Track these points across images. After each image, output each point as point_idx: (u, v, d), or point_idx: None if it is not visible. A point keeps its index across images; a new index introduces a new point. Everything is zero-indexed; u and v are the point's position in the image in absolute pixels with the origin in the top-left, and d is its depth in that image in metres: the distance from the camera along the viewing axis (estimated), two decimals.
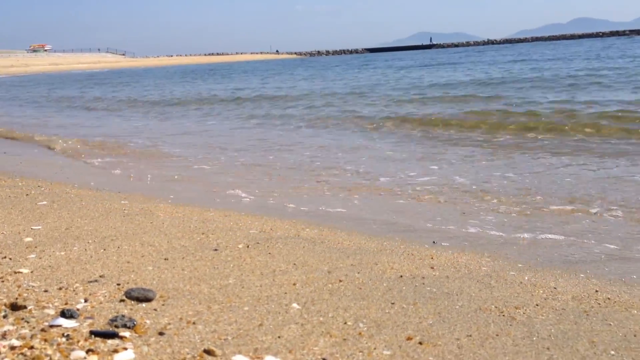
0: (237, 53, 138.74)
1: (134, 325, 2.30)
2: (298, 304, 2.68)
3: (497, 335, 2.46)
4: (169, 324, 2.35)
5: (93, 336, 2.18)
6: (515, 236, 4.69)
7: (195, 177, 7.49)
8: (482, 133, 10.98)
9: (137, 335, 2.22)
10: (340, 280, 3.09)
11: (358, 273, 3.26)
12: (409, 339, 2.36)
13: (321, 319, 2.51)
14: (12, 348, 2.03)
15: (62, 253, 3.31)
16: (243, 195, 6.18)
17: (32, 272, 2.95)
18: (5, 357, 1.98)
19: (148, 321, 2.35)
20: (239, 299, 2.69)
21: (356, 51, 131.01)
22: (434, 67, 37.80)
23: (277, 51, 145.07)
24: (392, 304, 2.77)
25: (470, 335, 2.43)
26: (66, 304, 2.50)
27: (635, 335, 2.54)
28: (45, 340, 2.11)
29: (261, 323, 2.41)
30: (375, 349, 2.25)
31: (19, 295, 2.58)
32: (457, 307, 2.80)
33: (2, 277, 2.83)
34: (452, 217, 5.28)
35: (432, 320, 2.59)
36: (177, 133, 13.01)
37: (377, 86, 23.92)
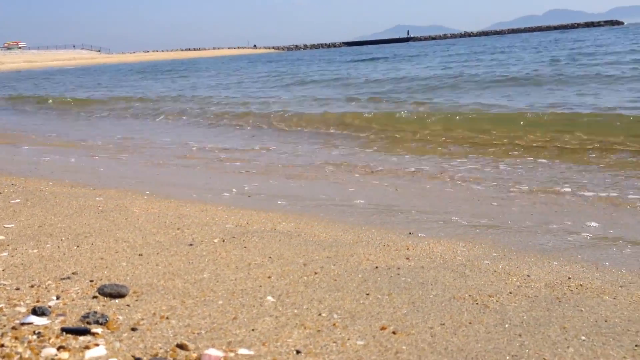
0: (214, 48, 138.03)
1: (106, 321, 2.28)
2: (273, 296, 2.68)
3: (470, 323, 2.48)
4: (142, 319, 2.33)
5: (64, 333, 2.16)
6: (491, 225, 4.73)
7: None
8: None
9: (109, 331, 2.21)
10: (316, 273, 3.09)
11: (334, 265, 3.27)
12: (382, 328, 2.37)
13: (295, 311, 2.51)
14: None
15: (35, 251, 3.28)
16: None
17: (3, 270, 2.92)
18: None
19: (121, 317, 2.34)
20: (213, 293, 2.69)
21: (334, 45, 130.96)
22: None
23: (254, 46, 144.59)
24: (367, 294, 2.78)
25: (444, 324, 2.45)
26: (38, 301, 2.48)
27: (606, 321, 2.58)
28: (16, 338, 2.09)
29: (235, 316, 2.41)
30: (349, 339, 2.26)
31: None
32: (432, 296, 2.81)
33: None
34: (430, 207, 5.31)
35: (406, 309, 2.61)
36: None
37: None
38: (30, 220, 4.05)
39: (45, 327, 2.21)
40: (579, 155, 8.06)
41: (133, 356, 2.02)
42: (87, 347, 2.06)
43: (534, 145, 8.84)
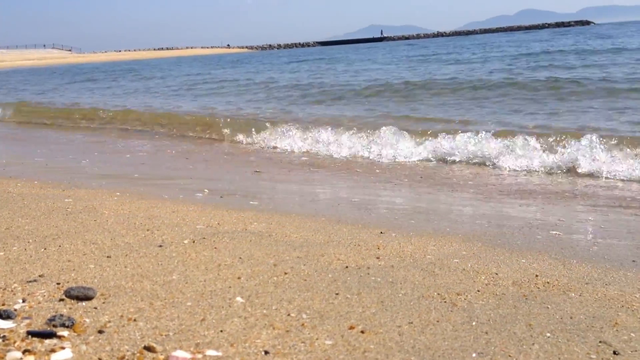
0: (187, 47, 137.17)
1: (73, 324, 2.26)
2: (242, 297, 2.67)
3: (437, 321, 2.50)
4: (109, 321, 2.32)
5: (30, 336, 2.14)
6: (461, 224, 4.78)
7: None
8: None
9: (75, 334, 2.19)
10: (286, 273, 3.09)
11: (304, 265, 3.27)
12: (351, 328, 2.39)
13: (265, 311, 2.51)
14: None
15: (1, 253, 3.23)
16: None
17: None
18: None
19: (87, 320, 2.32)
20: (182, 294, 2.67)
21: (308, 44, 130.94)
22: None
23: (228, 45, 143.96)
24: (337, 294, 2.79)
25: (412, 322, 2.47)
26: (3, 304, 2.45)
27: (571, 317, 2.62)
28: None
29: (204, 318, 2.40)
30: (317, 339, 2.26)
31: None
32: (401, 295, 2.83)
33: None
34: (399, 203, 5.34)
35: (375, 309, 2.62)
36: None
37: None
38: None
39: (11, 330, 2.18)
40: None
41: (99, 359, 2.01)
42: (53, 351, 2.04)
43: None
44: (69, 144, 11.54)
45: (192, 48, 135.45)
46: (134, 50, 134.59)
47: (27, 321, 2.28)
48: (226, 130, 11.64)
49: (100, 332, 2.22)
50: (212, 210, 4.91)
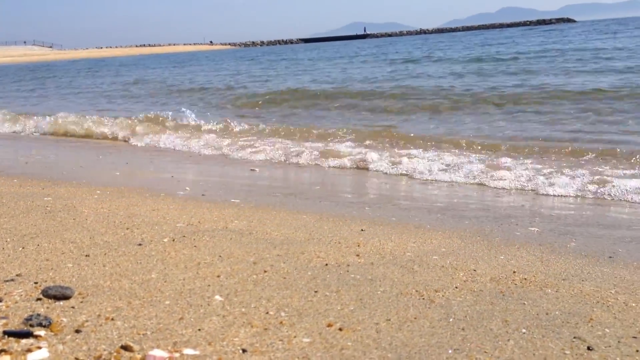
0: (169, 44, 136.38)
1: (50, 323, 2.25)
2: (221, 295, 2.68)
3: (415, 318, 2.52)
4: (87, 321, 2.31)
5: (6, 336, 2.12)
6: (441, 222, 4.81)
7: None
8: None
9: (52, 333, 2.18)
10: (265, 271, 3.10)
11: (284, 263, 3.28)
12: (329, 325, 2.40)
13: (243, 309, 2.52)
14: None
15: None
16: None
17: None
18: None
19: (65, 319, 2.31)
20: (160, 293, 2.67)
21: (291, 41, 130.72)
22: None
23: (210, 42, 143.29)
24: (316, 292, 2.80)
25: (389, 320, 2.49)
26: None
27: (547, 313, 2.65)
28: None
29: (182, 317, 2.40)
30: (295, 337, 2.27)
31: None
32: (379, 292, 2.85)
33: None
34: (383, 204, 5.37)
35: (353, 306, 2.63)
36: None
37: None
38: None
39: None
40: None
41: (76, 358, 2.00)
42: (29, 350, 2.03)
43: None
44: None
45: (174, 45, 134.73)
46: (116, 47, 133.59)
47: (4, 321, 2.27)
48: None
49: (77, 331, 2.21)
50: (193, 208, 4.89)
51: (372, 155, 8.21)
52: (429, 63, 25.45)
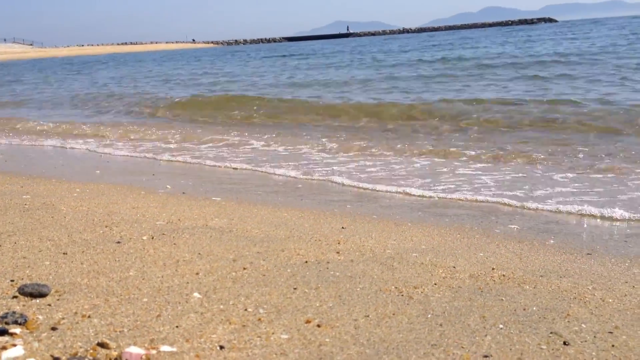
0: (151, 42, 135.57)
1: (25, 321, 2.23)
2: (199, 293, 2.66)
3: (393, 314, 2.53)
4: (63, 318, 2.29)
5: None
6: (421, 219, 4.82)
7: None
8: None
9: (28, 331, 2.15)
10: (245, 268, 3.09)
11: (263, 260, 3.27)
12: (307, 322, 2.40)
13: (222, 306, 2.51)
14: None
15: None
16: None
17: None
18: None
19: (41, 317, 2.29)
20: (138, 290, 2.65)
21: (274, 40, 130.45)
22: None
23: (193, 40, 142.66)
24: (295, 289, 2.80)
25: (368, 316, 2.49)
26: None
27: (524, 309, 2.67)
28: None
29: (159, 314, 2.39)
30: (273, 333, 2.27)
31: None
32: (359, 289, 2.85)
33: None
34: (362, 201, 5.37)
35: (332, 303, 2.64)
36: None
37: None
38: None
39: None
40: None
41: (52, 356, 1.98)
42: (4, 348, 2.01)
43: None
44: None
45: (156, 43, 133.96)
46: (97, 45, 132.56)
47: None
48: None
49: (53, 329, 2.19)
50: (173, 206, 4.87)
51: None
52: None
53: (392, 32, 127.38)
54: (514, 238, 4.24)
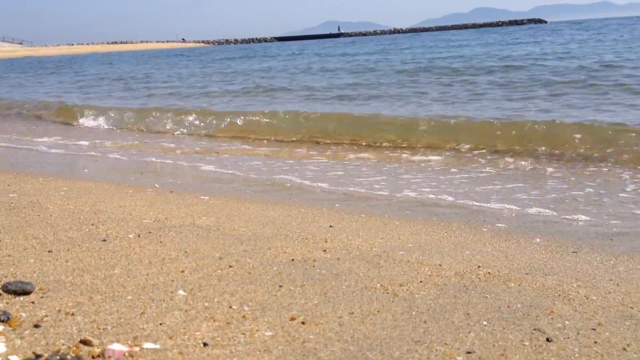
0: (142, 42, 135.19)
1: (8, 318, 2.22)
2: (184, 290, 2.66)
3: (378, 311, 2.53)
4: (46, 316, 2.28)
5: None
6: (409, 218, 4.84)
7: None
8: None
9: (10, 328, 2.15)
10: (231, 266, 3.09)
11: (250, 258, 3.27)
12: (292, 319, 2.40)
13: (206, 304, 2.51)
14: None
15: None
16: None
17: None
18: None
19: (24, 314, 2.28)
20: (123, 288, 2.65)
21: (265, 40, 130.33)
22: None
23: (183, 39, 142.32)
24: (280, 286, 2.80)
25: (353, 313, 2.50)
26: None
27: (508, 306, 2.68)
28: None
29: (143, 311, 2.39)
30: (257, 330, 2.27)
31: None
32: (344, 287, 2.86)
33: None
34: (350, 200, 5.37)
35: (317, 300, 2.64)
36: None
37: None
38: None
39: None
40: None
41: (34, 353, 1.98)
42: None
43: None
44: None
45: (147, 42, 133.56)
46: (87, 44, 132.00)
47: None
48: None
49: (36, 326, 2.18)
50: (160, 204, 4.86)
51: None
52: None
53: (383, 32, 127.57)
54: (500, 237, 4.25)
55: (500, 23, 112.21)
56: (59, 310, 2.34)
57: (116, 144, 9.99)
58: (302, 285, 2.84)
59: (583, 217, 4.88)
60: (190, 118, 11.99)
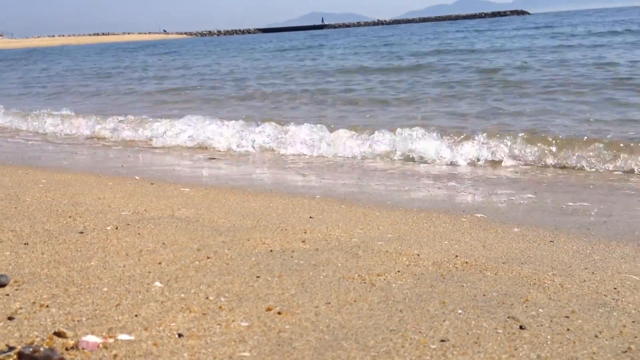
0: (124, 33, 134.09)
1: None
2: (161, 282, 2.66)
3: (355, 301, 2.54)
4: (21, 308, 2.27)
5: None
6: (390, 208, 4.85)
7: None
8: None
9: None
10: (209, 257, 3.09)
11: (228, 249, 3.27)
12: (268, 309, 2.40)
13: (183, 295, 2.51)
14: None
15: None
16: None
17: None
18: None
19: None
20: (99, 280, 2.64)
21: (249, 31, 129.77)
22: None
23: (164, 31, 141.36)
24: (258, 277, 2.81)
25: (329, 303, 2.51)
26: None
27: (484, 295, 2.70)
28: None
29: (119, 303, 2.38)
30: (233, 321, 2.27)
31: None
32: (322, 277, 2.86)
33: None
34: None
35: (294, 290, 2.65)
36: None
37: None
38: None
39: None
40: None
41: (7, 345, 1.97)
42: None
43: None
44: None
45: (128, 34, 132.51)
46: (69, 35, 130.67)
47: None
48: None
49: (10, 318, 2.17)
50: (140, 197, 4.84)
51: None
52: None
53: (367, 24, 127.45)
54: (479, 226, 4.28)
55: (483, 15, 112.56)
56: (34, 303, 2.33)
57: None
58: (279, 275, 2.85)
59: (562, 206, 4.93)
60: None
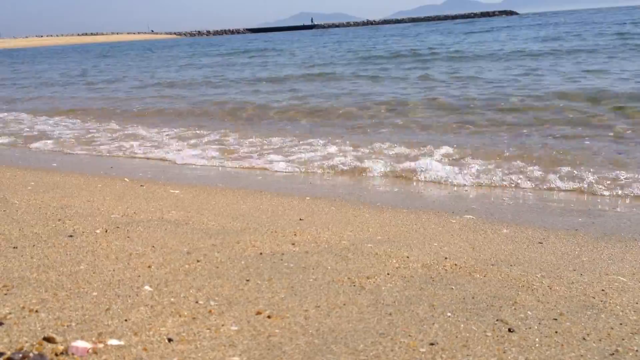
0: (112, 33, 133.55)
1: None
2: (150, 286, 2.65)
3: (344, 304, 2.55)
4: (10, 313, 2.26)
5: None
6: (379, 210, 4.86)
7: None
8: None
9: None
10: (198, 261, 3.09)
11: (218, 253, 3.27)
12: (258, 313, 2.41)
13: (172, 299, 2.50)
14: None
15: None
16: None
17: None
18: None
19: None
20: (88, 284, 2.63)
21: (238, 31, 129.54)
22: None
23: (152, 31, 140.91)
24: (247, 280, 2.81)
25: (319, 306, 2.51)
26: None
27: (473, 297, 2.72)
28: None
29: (109, 307, 2.38)
30: (223, 325, 2.28)
31: None
32: (311, 280, 2.87)
33: None
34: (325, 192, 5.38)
35: (284, 294, 2.65)
36: None
37: None
38: None
39: None
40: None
41: None
42: None
43: None
44: None
45: (117, 34, 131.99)
46: (57, 35, 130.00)
47: None
48: None
49: None
50: (130, 199, 4.83)
51: None
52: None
53: (357, 24, 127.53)
54: (469, 228, 4.30)
55: (472, 15, 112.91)
56: (23, 307, 2.32)
57: None
58: (269, 279, 2.85)
59: (550, 208, 4.95)
60: None
